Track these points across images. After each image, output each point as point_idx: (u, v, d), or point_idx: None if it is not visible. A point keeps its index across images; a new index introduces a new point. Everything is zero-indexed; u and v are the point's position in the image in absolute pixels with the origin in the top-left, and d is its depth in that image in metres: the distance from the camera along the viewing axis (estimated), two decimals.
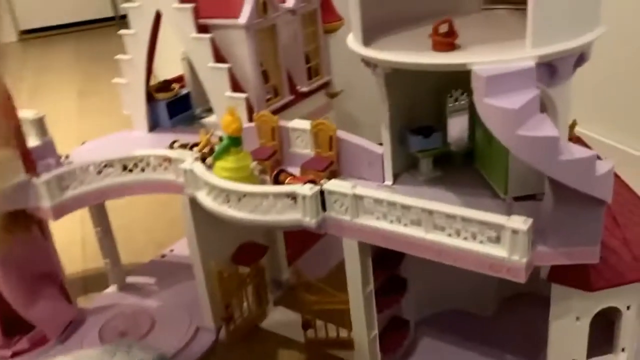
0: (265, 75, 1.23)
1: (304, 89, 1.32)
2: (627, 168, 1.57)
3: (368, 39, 0.86)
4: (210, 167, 1.05)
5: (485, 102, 0.69)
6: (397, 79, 0.91)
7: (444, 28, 0.80)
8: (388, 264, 1.04)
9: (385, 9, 0.91)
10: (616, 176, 1.00)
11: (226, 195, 0.98)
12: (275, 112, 1.24)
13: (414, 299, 1.11)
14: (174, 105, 1.36)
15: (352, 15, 0.86)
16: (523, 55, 0.71)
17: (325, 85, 1.38)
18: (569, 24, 0.73)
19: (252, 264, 1.24)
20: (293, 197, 0.93)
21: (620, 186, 0.99)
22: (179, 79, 1.43)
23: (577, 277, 0.88)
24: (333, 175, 1.04)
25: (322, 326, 1.16)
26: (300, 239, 1.38)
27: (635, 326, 0.94)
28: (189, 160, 1.05)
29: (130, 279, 1.43)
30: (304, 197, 0.91)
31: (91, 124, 2.42)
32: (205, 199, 1.03)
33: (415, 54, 0.80)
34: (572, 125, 0.94)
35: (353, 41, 0.88)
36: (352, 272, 0.97)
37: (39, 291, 1.20)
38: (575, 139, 0.96)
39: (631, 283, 0.88)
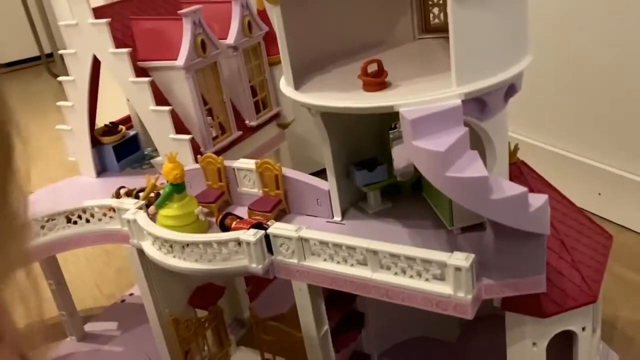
0: (210, 113, 1.21)
1: (253, 123, 1.30)
2: (576, 174, 1.59)
3: (299, 82, 0.85)
4: (154, 215, 1.02)
5: (412, 144, 0.68)
6: (336, 117, 0.90)
7: (372, 67, 0.79)
8: (343, 301, 1.03)
9: (316, 46, 0.90)
10: (563, 197, 1.01)
11: (170, 245, 0.96)
12: (224, 149, 1.22)
13: (373, 332, 1.09)
14: (121, 148, 1.33)
15: (282, 59, 0.85)
16: (448, 93, 0.71)
17: (275, 116, 1.37)
18: (494, 58, 0.73)
19: (209, 306, 1.21)
20: (238, 243, 0.91)
21: (567, 207, 0.99)
22: (127, 120, 1.40)
23: (529, 304, 0.87)
24: (281, 214, 1.03)
25: None
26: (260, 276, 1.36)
27: (592, 345, 0.93)
28: (132, 209, 1.03)
29: (88, 327, 1.39)
30: (248, 243, 0.89)
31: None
32: (151, 249, 1.00)
33: (345, 97, 0.79)
34: (515, 151, 0.93)
35: (285, 85, 0.87)
36: (304, 315, 0.95)
37: None
38: (519, 164, 0.96)
39: (583, 306, 0.88)
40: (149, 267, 1.10)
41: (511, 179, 0.93)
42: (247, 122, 1.30)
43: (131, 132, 1.36)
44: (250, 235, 0.89)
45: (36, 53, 4.25)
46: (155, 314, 1.15)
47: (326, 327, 0.98)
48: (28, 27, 4.07)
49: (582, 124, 1.57)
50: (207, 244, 0.92)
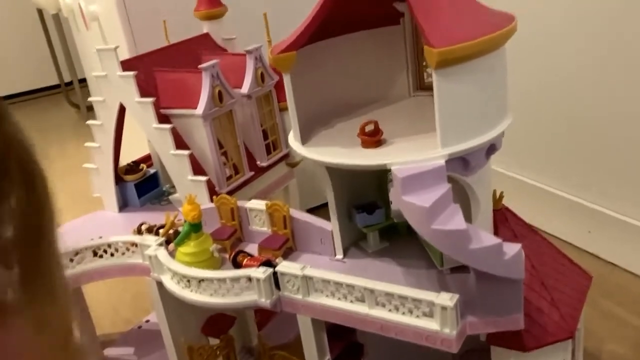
0: (225, 155, 1.32)
1: (264, 163, 1.41)
2: (567, 212, 1.67)
3: (306, 136, 0.96)
4: (173, 252, 1.13)
5: (402, 199, 0.78)
6: (341, 171, 1.01)
7: (370, 127, 0.89)
8: (344, 332, 1.12)
9: (321, 102, 1.02)
10: (544, 240, 1.10)
11: (187, 280, 1.06)
12: (237, 188, 1.33)
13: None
14: (142, 185, 1.44)
15: (291, 116, 0.96)
16: (434, 154, 0.81)
17: (285, 157, 1.48)
18: (476, 122, 0.83)
19: (221, 335, 1.30)
20: (249, 279, 1.01)
21: (549, 249, 1.08)
22: (147, 158, 1.52)
23: (512, 339, 0.96)
24: (289, 252, 1.13)
25: None
26: None
27: None
28: (154, 246, 1.13)
29: (107, 351, 1.49)
30: (258, 280, 0.99)
31: None
32: (170, 283, 1.10)
33: (345, 153, 0.90)
34: (500, 198, 1.03)
35: (293, 140, 0.97)
36: (308, 345, 1.05)
37: None
38: (504, 210, 1.05)
39: (560, 341, 0.97)
40: (167, 298, 1.20)
41: (496, 224, 1.03)
42: (258, 162, 1.41)
43: (151, 170, 1.47)
44: (260, 272, 0.99)
45: (56, 81, 4.39)
46: (172, 341, 1.24)
47: (328, 357, 1.07)
48: (48, 55, 4.20)
49: (572, 165, 1.67)
50: (221, 280, 1.02)
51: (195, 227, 1.10)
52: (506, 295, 0.86)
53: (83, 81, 3.65)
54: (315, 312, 0.99)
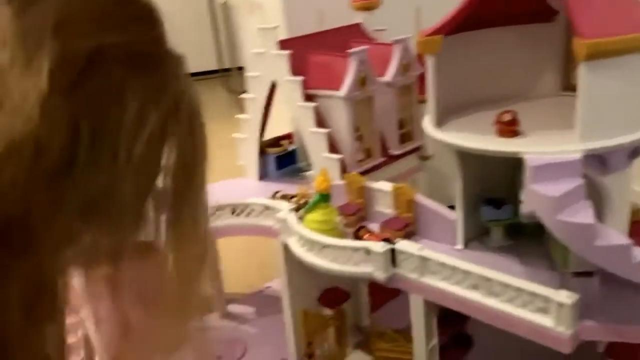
0: (360, 139, 1.39)
1: (396, 152, 1.45)
2: None
3: (441, 121, 0.99)
4: (301, 218, 1.21)
5: (530, 187, 0.78)
6: (470, 156, 1.02)
7: (507, 117, 0.90)
8: (454, 321, 1.13)
9: (462, 92, 1.04)
10: None
11: (311, 245, 1.13)
12: (367, 171, 1.38)
13: (480, 357, 1.18)
14: (281, 159, 1.55)
15: (429, 100, 1.00)
16: (570, 148, 0.80)
17: (417, 149, 1.51)
18: (620, 121, 0.81)
19: (335, 307, 1.37)
20: (367, 251, 1.06)
21: None
22: (289, 136, 1.62)
23: (634, 355, 0.91)
24: (409, 235, 1.16)
25: None
26: (383, 290, 1.49)
27: None
28: (285, 210, 1.22)
29: (230, 308, 1.62)
30: (376, 253, 1.04)
31: None
32: (295, 246, 1.18)
33: (478, 139, 0.91)
34: (638, 210, 0.98)
35: (427, 123, 1.01)
36: (417, 326, 1.07)
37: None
38: None
39: None
40: (291, 262, 1.28)
41: (631, 236, 0.98)
42: (390, 150, 1.45)
43: (291, 147, 1.58)
44: (379, 246, 1.04)
45: (214, 67, 4.70)
46: (289, 304, 1.33)
47: (435, 341, 1.09)
48: (211, 41, 4.51)
49: None
50: (343, 248, 1.08)
51: (325, 198, 1.17)
52: (632, 303, 0.82)
53: (240, 70, 3.91)
54: (428, 293, 1.02)
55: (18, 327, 0.31)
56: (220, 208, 1.34)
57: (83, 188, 0.32)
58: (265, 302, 1.63)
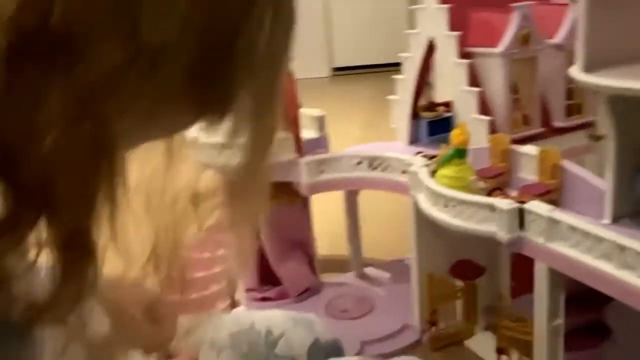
0: (517, 103, 1.28)
1: (560, 124, 1.31)
2: None
3: (590, 68, 0.87)
4: (434, 172, 1.15)
5: None
6: (628, 109, 0.88)
7: None
8: (591, 307, 0.99)
9: (616, 45, 0.89)
10: None
11: (437, 198, 1.08)
12: (522, 141, 1.27)
13: (620, 351, 1.01)
14: (434, 125, 1.50)
15: (579, 46, 0.88)
16: None
17: (586, 125, 1.34)
18: None
19: (466, 280, 1.28)
20: (492, 208, 0.97)
21: None
22: (446, 104, 1.56)
23: None
24: (550, 203, 1.04)
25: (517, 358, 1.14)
26: (528, 278, 1.36)
27: None
28: (418, 165, 1.18)
29: (367, 270, 1.61)
30: (501, 210, 0.95)
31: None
32: (423, 201, 1.14)
33: (635, 81, 0.78)
34: None
35: (575, 69, 0.89)
36: (539, 302, 0.96)
37: (291, 253, 1.47)
38: None
39: None
40: (421, 222, 1.23)
41: None
42: (554, 122, 1.31)
43: (446, 114, 1.51)
44: (505, 203, 0.95)
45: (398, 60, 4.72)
46: (417, 266, 1.28)
47: (560, 321, 0.96)
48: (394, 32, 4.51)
49: None
50: (467, 202, 1.01)
51: (460, 153, 1.11)
52: None
53: None
54: (555, 261, 0.90)
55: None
56: (360, 161, 1.34)
57: None
58: (400, 270, 1.59)
